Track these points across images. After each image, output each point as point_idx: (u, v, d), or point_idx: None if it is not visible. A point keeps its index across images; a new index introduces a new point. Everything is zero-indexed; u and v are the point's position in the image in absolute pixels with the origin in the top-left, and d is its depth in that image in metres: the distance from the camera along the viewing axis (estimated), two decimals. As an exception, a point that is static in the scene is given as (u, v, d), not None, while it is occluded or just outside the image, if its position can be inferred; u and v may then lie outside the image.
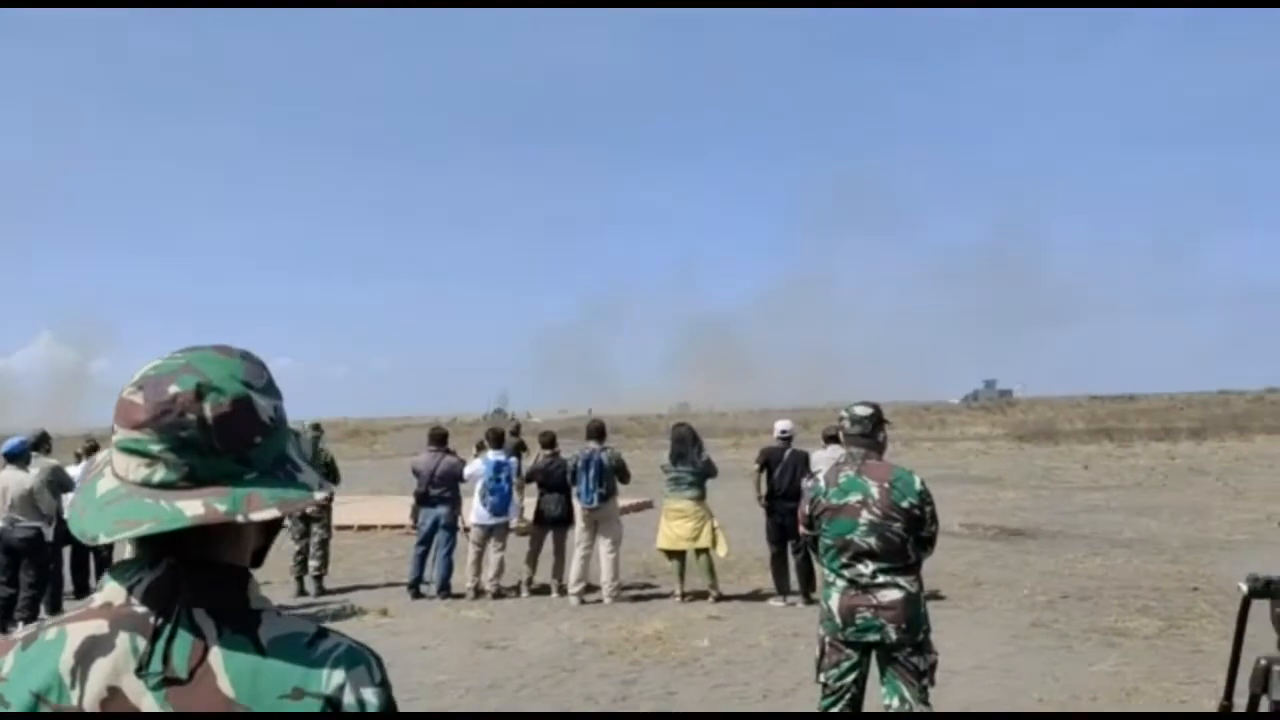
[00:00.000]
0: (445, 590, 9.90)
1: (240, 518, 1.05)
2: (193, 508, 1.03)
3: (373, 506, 18.19)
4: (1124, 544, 12.70)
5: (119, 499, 1.05)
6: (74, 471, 9.62)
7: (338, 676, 1.07)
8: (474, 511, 10.09)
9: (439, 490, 10.12)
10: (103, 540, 1.03)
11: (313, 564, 10.41)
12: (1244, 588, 2.28)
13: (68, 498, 8.83)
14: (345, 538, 14.29)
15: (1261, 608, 2.28)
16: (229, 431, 1.07)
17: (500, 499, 10.01)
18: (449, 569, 10.01)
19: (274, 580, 10.85)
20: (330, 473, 10.83)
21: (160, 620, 1.04)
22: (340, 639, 1.12)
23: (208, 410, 1.06)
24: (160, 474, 1.05)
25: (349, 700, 1.07)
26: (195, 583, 1.06)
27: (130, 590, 1.06)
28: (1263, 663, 2.27)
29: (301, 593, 10.25)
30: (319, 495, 1.12)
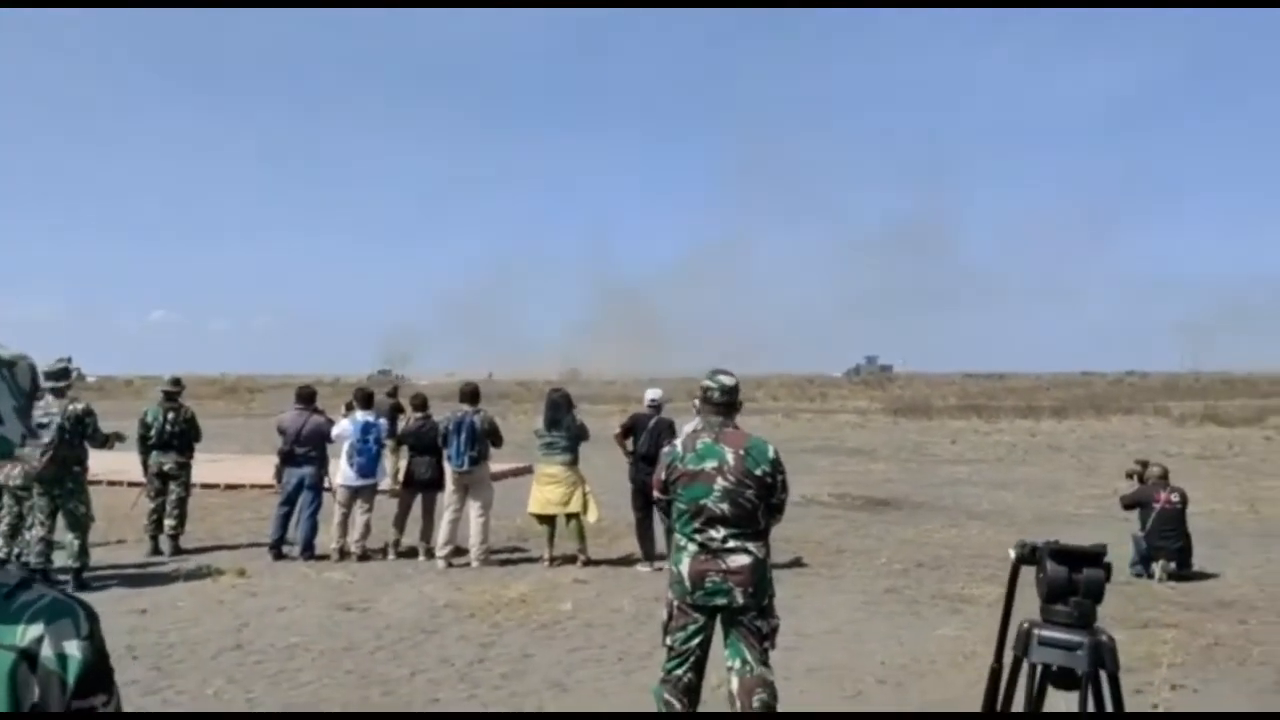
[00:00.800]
0: (309, 552, 9.69)
1: None
2: None
3: (242, 465, 17.65)
4: (980, 516, 13.27)
5: None
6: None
7: (34, 630, 1.02)
8: (340, 472, 9.90)
9: (304, 450, 9.88)
10: None
11: (168, 523, 10.07)
12: (1013, 554, 2.39)
13: None
14: (210, 496, 13.88)
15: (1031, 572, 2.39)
16: None
17: (367, 460, 9.84)
18: (313, 530, 9.80)
19: (129, 539, 10.48)
20: (191, 429, 10.48)
21: None
22: (46, 591, 1.07)
23: None
24: None
25: (46, 654, 1.02)
26: None
27: None
28: (1025, 625, 2.39)
29: (156, 552, 9.91)
30: (24, 452, 1.06)
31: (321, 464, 10.01)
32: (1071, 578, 2.29)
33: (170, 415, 10.36)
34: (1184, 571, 9.30)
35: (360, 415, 10.03)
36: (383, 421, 10.52)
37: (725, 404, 4.37)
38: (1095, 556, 2.35)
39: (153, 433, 10.29)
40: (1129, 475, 10.57)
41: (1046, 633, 2.34)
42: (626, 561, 9.68)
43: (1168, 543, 9.34)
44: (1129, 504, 10.00)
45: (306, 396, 10.28)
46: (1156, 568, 9.23)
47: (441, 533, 9.51)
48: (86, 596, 7.59)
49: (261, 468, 15.09)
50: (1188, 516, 9.58)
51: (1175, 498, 9.56)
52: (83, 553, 8.21)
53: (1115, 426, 32.69)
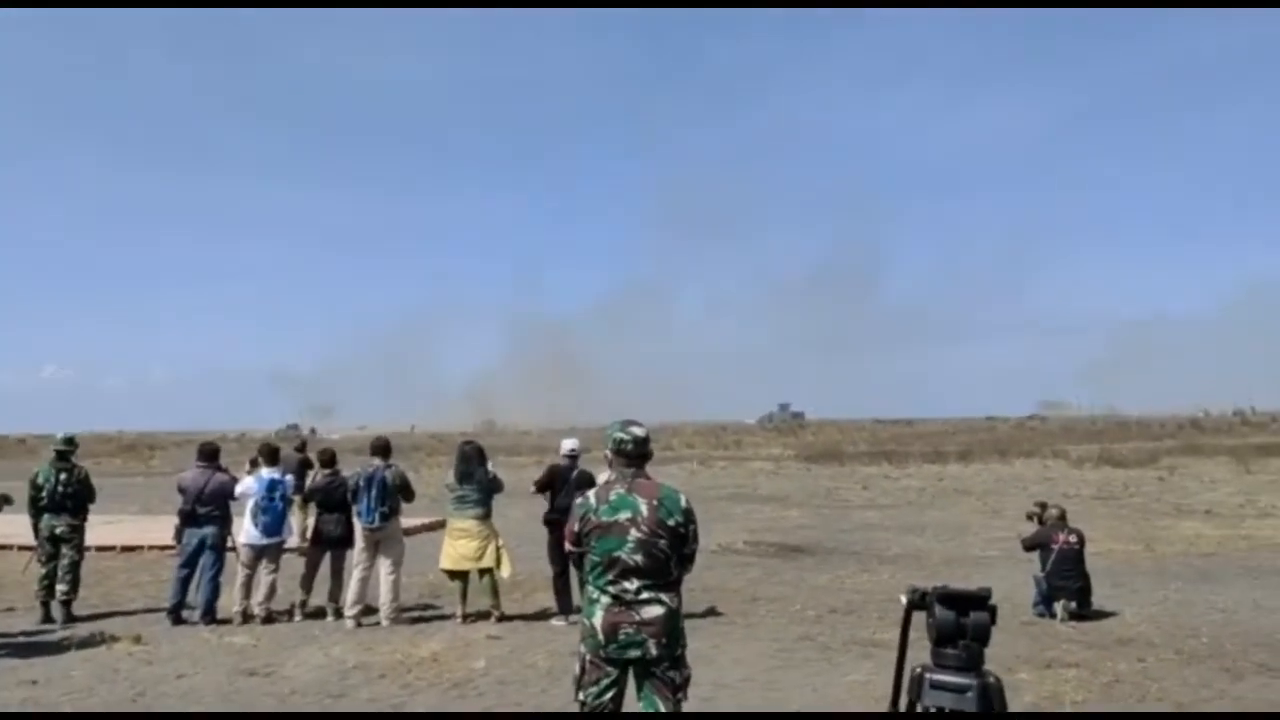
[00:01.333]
0: (210, 615, 9.34)
1: None
2: None
3: (140, 526, 17.00)
4: (890, 560, 13.51)
5: None
6: None
7: None
8: (244, 531, 9.60)
9: (206, 509, 9.56)
10: None
11: (60, 588, 9.61)
12: (904, 599, 2.47)
13: None
14: (106, 559, 13.33)
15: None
16: None
17: (272, 518, 9.58)
18: (215, 592, 9.45)
19: (18, 606, 9.99)
20: (84, 490, 10.07)
21: None
22: None
23: None
24: None
25: None
26: None
27: None
28: (917, 670, 2.46)
29: (47, 619, 9.44)
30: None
31: (224, 523, 9.70)
32: (959, 621, 2.37)
33: (63, 476, 9.94)
34: (1084, 611, 9.59)
35: (265, 472, 9.77)
36: (289, 478, 10.28)
37: (637, 455, 4.40)
38: (981, 600, 2.44)
39: (44, 494, 9.84)
40: (1029, 517, 10.91)
41: (937, 676, 2.41)
42: (542, 616, 9.58)
43: (1068, 583, 9.63)
44: (1029, 545, 10.30)
45: (209, 454, 9.99)
46: (1058, 607, 9.50)
47: (351, 591, 9.28)
48: (-31, 669, 7.18)
49: (161, 528, 14.55)
50: (1086, 556, 9.91)
51: (1073, 538, 9.89)
52: None
53: (1018, 469, 33.68)
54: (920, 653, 2.84)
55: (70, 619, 9.47)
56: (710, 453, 50.15)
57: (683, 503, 4.36)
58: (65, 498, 9.88)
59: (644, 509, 4.23)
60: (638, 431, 4.43)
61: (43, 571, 9.72)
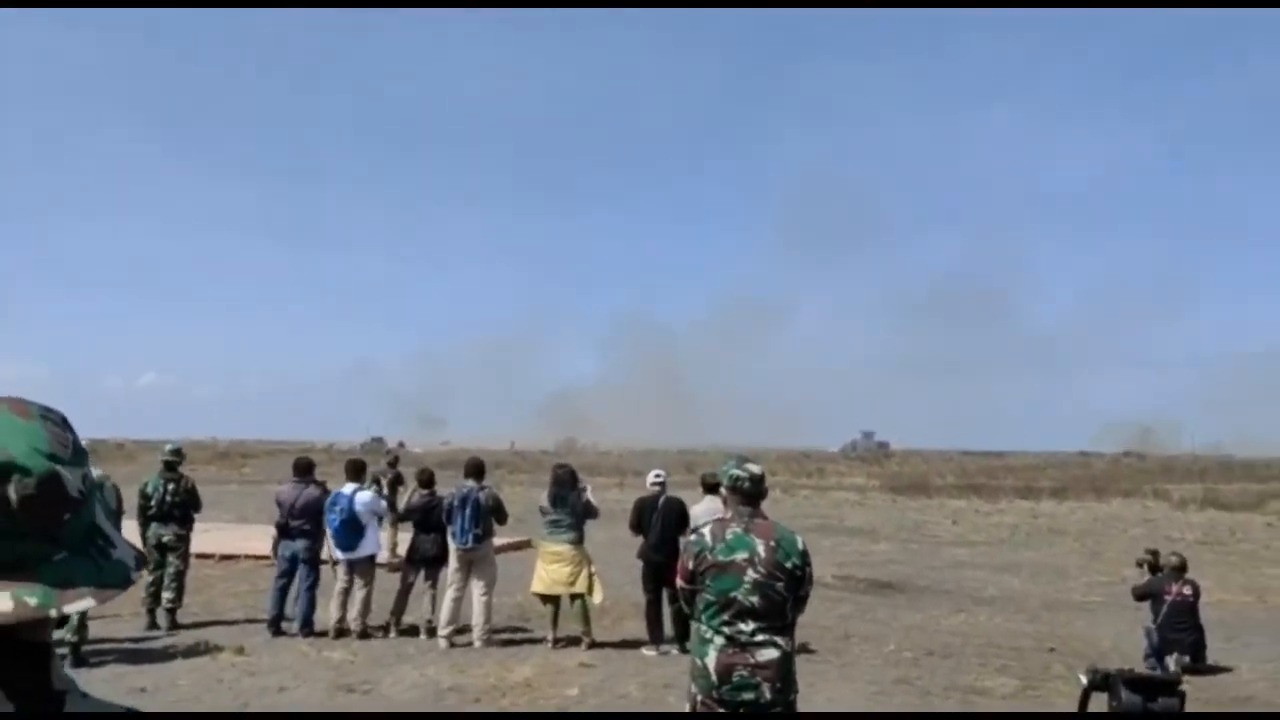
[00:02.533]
0: (307, 628, 9.51)
1: (53, 612, 0.95)
2: (0, 602, 0.92)
3: (238, 534, 17.46)
4: (987, 601, 13.10)
5: None
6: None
7: None
8: (331, 546, 9.79)
9: (298, 523, 9.77)
10: None
11: (166, 596, 9.90)
12: (1084, 679, 2.33)
13: None
14: (205, 567, 13.68)
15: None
16: (36, 513, 0.96)
17: (334, 531, 9.64)
18: (311, 606, 9.63)
19: (124, 613, 10.28)
20: (191, 500, 10.36)
21: None
22: (101, 704, 1.03)
23: (12, 493, 0.95)
24: None
25: None
26: None
27: None
28: None
29: (153, 626, 9.72)
30: (136, 577, 1.03)
31: (316, 537, 9.86)
32: (1147, 708, 2.23)
33: (170, 486, 10.24)
34: (1198, 665, 9.14)
35: (348, 488, 9.84)
36: (366, 494, 10.25)
37: (754, 493, 4.32)
38: (1170, 685, 2.29)
39: (152, 503, 10.16)
40: (1139, 564, 10.46)
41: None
42: (632, 644, 9.50)
43: (1182, 635, 9.20)
44: (1140, 595, 9.88)
45: (303, 467, 10.19)
46: (1170, 661, 9.07)
47: (444, 612, 9.34)
48: (84, 672, 7.43)
49: (256, 537, 14.95)
50: (1199, 608, 9.46)
51: (1188, 590, 9.45)
52: (81, 627, 8.06)
53: (1116, 509, 32.51)
54: None
55: (174, 626, 9.74)
56: (793, 480, 49.61)
57: (800, 545, 4.26)
58: (173, 507, 10.18)
59: (761, 550, 4.15)
60: (754, 469, 4.35)
61: (149, 579, 10.01)
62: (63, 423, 1.04)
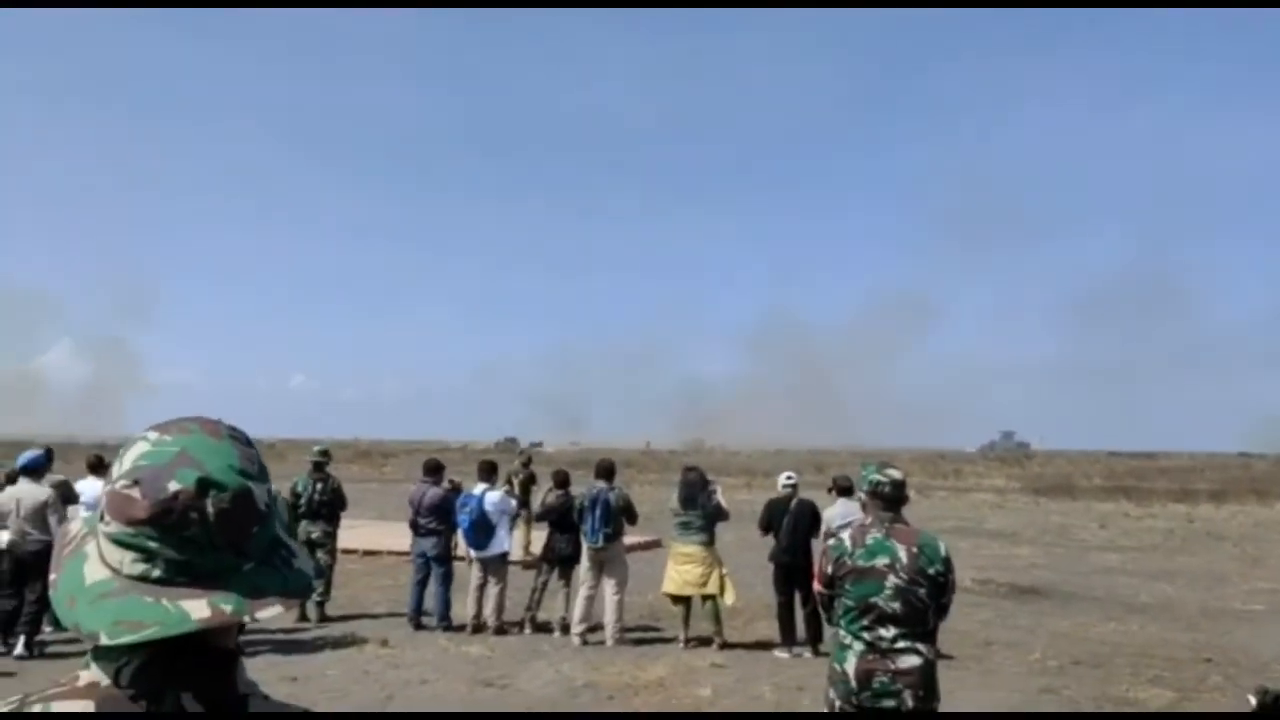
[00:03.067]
0: (445, 623, 9.81)
1: (246, 618, 1.02)
2: (198, 609, 0.99)
3: (379, 531, 18.12)
4: (1139, 609, 12.46)
5: (114, 594, 1.00)
6: (82, 486, 9.61)
7: None
8: (463, 545, 10.08)
9: (426, 521, 10.08)
10: (103, 641, 0.97)
11: (315, 590, 10.34)
12: (1253, 701, 2.17)
13: (73, 509, 8.82)
14: (349, 563, 14.24)
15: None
16: (230, 525, 1.03)
17: (480, 532, 9.82)
18: (447, 601, 9.93)
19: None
20: (338, 499, 10.81)
21: (148, 705, 1.01)
22: (283, 705, 1.08)
23: (210, 507, 1.02)
24: (159, 569, 1.01)
25: None
26: (182, 666, 1.03)
27: (118, 672, 1.02)
28: None
29: (303, 618, 10.18)
30: (317, 585, 1.09)
31: (444, 535, 10.12)
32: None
33: (319, 485, 10.72)
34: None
35: (479, 488, 10.05)
36: (495, 493, 10.36)
37: (895, 498, 4.22)
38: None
39: (302, 501, 10.64)
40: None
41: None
42: (764, 646, 9.43)
43: (1359, 649, 8.55)
44: (1312, 604, 9.22)
45: (433, 468, 10.50)
46: (1346, 676, 8.44)
47: (577, 610, 9.47)
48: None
49: (397, 534, 15.47)
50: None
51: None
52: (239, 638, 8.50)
53: (1279, 514, 30.48)
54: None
55: (323, 619, 10.18)
56: (929, 482, 48.30)
57: (943, 551, 4.15)
58: (321, 505, 10.65)
59: (903, 555, 4.05)
60: (895, 474, 4.26)
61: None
62: (247, 442, 1.12)
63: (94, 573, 1.03)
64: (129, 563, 1.01)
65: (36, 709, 1.01)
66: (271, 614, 1.03)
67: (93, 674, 1.03)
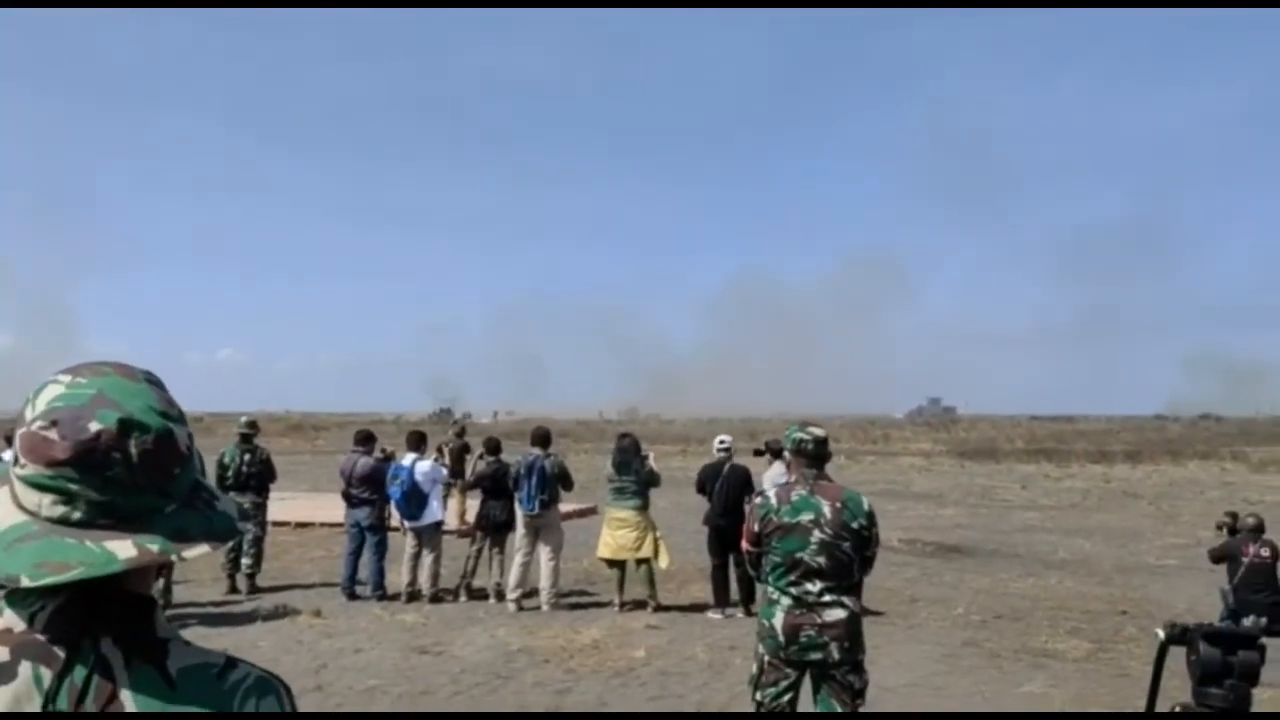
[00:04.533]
0: (380, 592, 9.77)
1: (174, 557, 1.02)
2: (124, 549, 0.98)
3: (311, 503, 17.93)
4: (1057, 565, 12.92)
5: (32, 536, 0.99)
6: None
7: (248, 707, 1.05)
8: (396, 514, 10.05)
9: (358, 491, 10.03)
10: (24, 584, 0.95)
11: (245, 561, 10.21)
12: (1161, 634, 2.29)
13: None
14: (281, 534, 14.07)
15: (1178, 653, 2.30)
16: (153, 466, 1.03)
17: (413, 501, 9.81)
18: (381, 570, 9.88)
19: (205, 578, 10.64)
20: (266, 470, 10.65)
21: (67, 650, 1.00)
22: (249, 669, 1.09)
23: (133, 447, 1.01)
24: (80, 511, 1.00)
25: None
26: (101, 612, 1.02)
27: (32, 618, 1.01)
28: (1176, 709, 2.29)
29: (233, 590, 10.05)
30: (243, 528, 1.09)
31: (377, 505, 10.07)
32: (1226, 660, 2.19)
33: (246, 456, 10.54)
34: (1275, 627, 8.89)
35: (409, 457, 10.02)
36: (427, 463, 10.26)
37: (817, 455, 4.32)
38: (1250, 639, 2.25)
39: (230, 473, 10.46)
40: (1218, 527, 10.20)
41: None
42: (698, 608, 9.58)
43: (1259, 597, 8.96)
44: (1217, 557, 9.64)
45: (363, 438, 10.43)
46: (1247, 623, 8.86)
47: (513, 576, 9.50)
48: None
49: (329, 506, 15.31)
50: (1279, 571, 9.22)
51: (1265, 552, 9.18)
52: (166, 591, 8.38)
53: (1193, 472, 31.75)
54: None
55: (254, 590, 10.07)
56: (858, 447, 49.24)
57: (866, 505, 4.27)
58: (249, 477, 10.48)
59: (827, 511, 4.16)
60: (817, 432, 4.36)
61: (228, 546, 10.34)
62: (162, 386, 1.11)
63: (7, 517, 1.01)
64: (47, 505, 1.00)
65: None
66: (199, 553, 1.04)
67: (5, 621, 1.02)
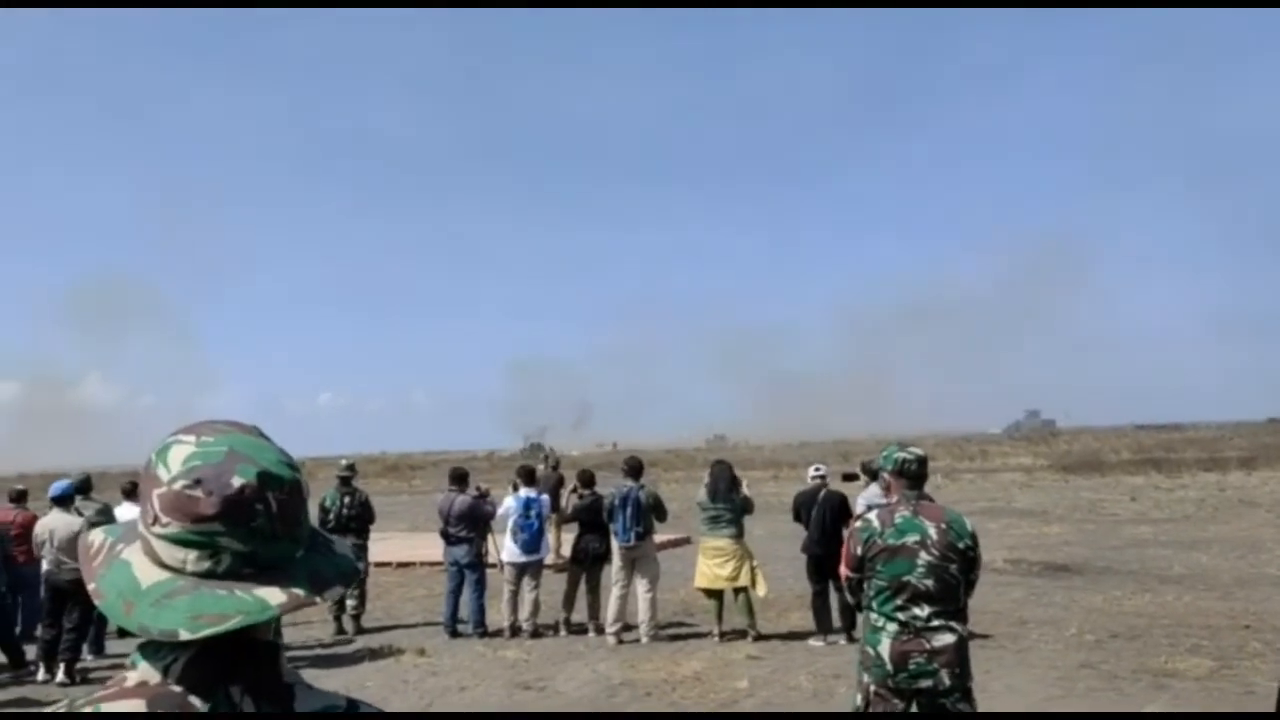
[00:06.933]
0: (481, 629, 9.88)
1: (319, 599, 1.07)
2: (274, 595, 1.04)
3: (410, 543, 18.22)
4: (1174, 580, 12.39)
5: (181, 591, 1.03)
6: (120, 512, 9.75)
7: None
8: (506, 549, 10.09)
9: (456, 529, 10.15)
10: (183, 637, 0.99)
11: (350, 603, 10.43)
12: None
13: None
14: (383, 575, 14.34)
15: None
16: (289, 515, 1.09)
17: (530, 536, 9.95)
18: (481, 608, 9.99)
19: (313, 620, 10.90)
20: (366, 511, 10.89)
21: (202, 702, 1.04)
22: (370, 709, 1.12)
23: (272, 499, 1.07)
24: (225, 564, 1.05)
25: None
26: (232, 660, 1.06)
27: (166, 670, 1.05)
28: None
29: (340, 632, 10.27)
30: (361, 566, 1.14)
31: (475, 542, 10.20)
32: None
33: (347, 499, 10.80)
34: None
35: (523, 492, 10.20)
36: (544, 497, 10.62)
37: (919, 475, 4.26)
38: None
39: (331, 516, 10.72)
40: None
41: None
42: (798, 636, 9.45)
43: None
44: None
45: (458, 477, 10.59)
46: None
47: (611, 609, 9.52)
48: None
49: (429, 545, 15.55)
50: None
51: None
52: (277, 635, 8.59)
53: (1314, 477, 30.16)
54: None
55: (360, 631, 10.28)
56: (955, 465, 48.08)
57: (969, 526, 4.18)
58: (350, 519, 10.73)
59: (933, 532, 4.08)
60: (919, 451, 4.29)
61: (334, 588, 10.58)
62: (268, 438, 1.16)
63: (149, 575, 1.05)
64: (193, 560, 1.04)
65: (86, 711, 1.04)
66: (336, 595, 1.10)
67: (140, 673, 1.06)
